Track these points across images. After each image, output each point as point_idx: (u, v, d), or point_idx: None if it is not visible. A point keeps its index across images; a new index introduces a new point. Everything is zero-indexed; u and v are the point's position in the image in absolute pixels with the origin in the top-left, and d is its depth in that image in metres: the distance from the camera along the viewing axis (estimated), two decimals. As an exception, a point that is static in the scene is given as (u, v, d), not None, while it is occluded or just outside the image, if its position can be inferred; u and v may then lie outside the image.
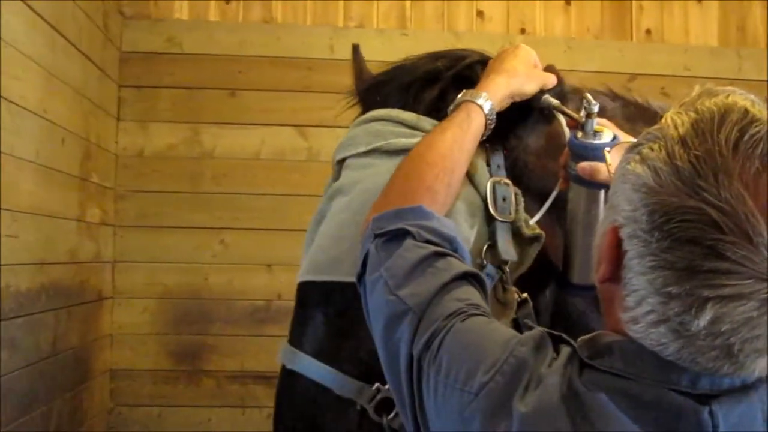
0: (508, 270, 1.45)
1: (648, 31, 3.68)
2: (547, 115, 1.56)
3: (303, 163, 3.40)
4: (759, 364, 0.84)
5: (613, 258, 0.91)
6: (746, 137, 0.82)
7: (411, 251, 1.14)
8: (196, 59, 3.41)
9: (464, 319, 1.03)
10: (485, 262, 1.44)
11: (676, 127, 0.86)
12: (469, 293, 1.09)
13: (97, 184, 3.07)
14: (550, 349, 0.96)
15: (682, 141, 0.84)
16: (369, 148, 1.52)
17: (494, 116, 1.43)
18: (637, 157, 0.88)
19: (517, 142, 1.56)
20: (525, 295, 1.46)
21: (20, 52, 2.27)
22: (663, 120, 0.90)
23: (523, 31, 3.61)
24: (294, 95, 3.40)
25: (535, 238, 1.48)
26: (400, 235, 1.17)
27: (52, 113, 2.53)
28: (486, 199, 1.47)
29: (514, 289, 1.46)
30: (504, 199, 1.48)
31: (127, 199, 3.35)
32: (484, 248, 1.45)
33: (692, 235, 0.80)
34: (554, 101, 1.51)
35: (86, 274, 2.95)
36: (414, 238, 1.16)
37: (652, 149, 0.87)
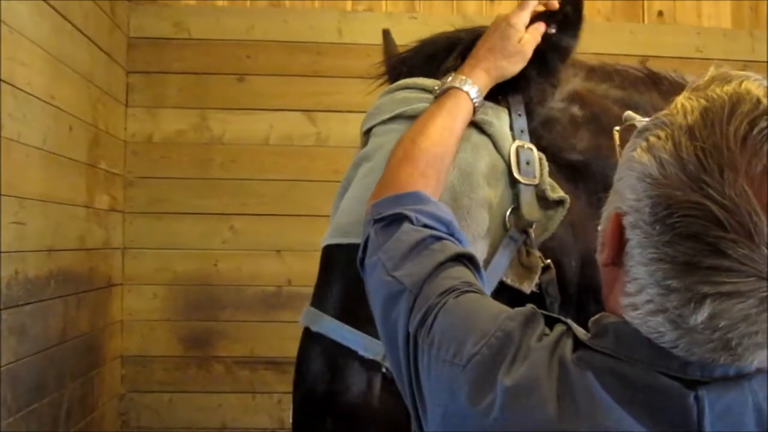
0: (532, 233, 1.47)
1: (660, 13, 3.63)
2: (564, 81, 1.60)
3: (312, 148, 3.39)
4: (758, 356, 0.83)
5: (616, 244, 0.90)
6: (755, 131, 0.79)
7: (408, 234, 1.16)
8: (203, 44, 3.40)
9: (457, 296, 1.05)
10: (509, 225, 1.46)
11: (685, 115, 0.84)
12: (463, 273, 1.11)
13: (105, 171, 3.07)
14: (541, 325, 0.97)
15: (690, 131, 0.82)
16: (393, 114, 1.54)
17: (482, 100, 1.46)
18: (644, 144, 0.87)
19: (540, 109, 1.58)
20: (548, 261, 1.47)
21: (26, 38, 2.26)
22: (673, 105, 0.88)
23: (533, 13, 3.56)
24: (302, 80, 3.38)
25: (560, 202, 1.50)
26: (399, 219, 1.20)
27: (59, 100, 2.52)
28: (510, 162, 1.49)
29: (538, 253, 1.47)
30: (528, 163, 1.50)
31: (136, 185, 3.35)
32: (508, 212, 1.47)
33: (694, 230, 0.79)
34: (633, 116, 1.46)
35: (96, 261, 2.95)
36: (411, 222, 1.18)
37: (659, 137, 0.85)
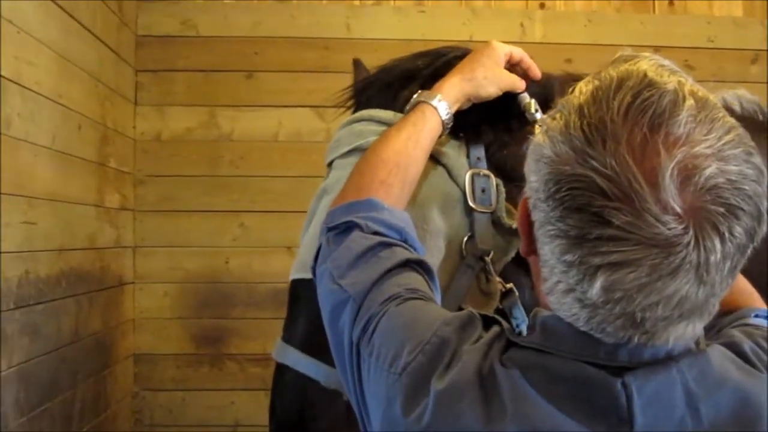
0: (489, 260, 1.46)
1: (671, 3, 3.60)
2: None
3: (321, 144, 3.34)
4: (673, 332, 0.82)
5: (527, 229, 0.92)
6: (637, 102, 0.80)
7: (356, 242, 1.16)
8: (211, 41, 3.39)
9: (399, 303, 1.04)
10: (465, 254, 1.46)
11: (579, 96, 0.86)
12: (410, 279, 1.11)
13: (115, 170, 3.07)
14: (478, 329, 0.97)
15: (580, 110, 0.84)
16: (350, 147, 1.55)
17: (451, 115, 1.43)
18: (543, 128, 0.88)
19: (500, 134, 1.56)
20: (510, 285, 1.46)
21: (34, 37, 2.25)
22: (572, 89, 0.90)
23: (542, 5, 3.54)
24: (311, 75, 3.37)
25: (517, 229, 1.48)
26: (350, 227, 1.19)
27: (67, 99, 2.52)
28: (465, 191, 1.48)
29: (498, 279, 1.47)
30: (483, 191, 1.49)
31: (146, 183, 3.35)
32: (464, 240, 1.47)
33: (581, 202, 0.79)
34: (526, 99, 1.51)
35: (107, 260, 2.95)
36: (362, 229, 1.18)
37: (554, 119, 0.87)
